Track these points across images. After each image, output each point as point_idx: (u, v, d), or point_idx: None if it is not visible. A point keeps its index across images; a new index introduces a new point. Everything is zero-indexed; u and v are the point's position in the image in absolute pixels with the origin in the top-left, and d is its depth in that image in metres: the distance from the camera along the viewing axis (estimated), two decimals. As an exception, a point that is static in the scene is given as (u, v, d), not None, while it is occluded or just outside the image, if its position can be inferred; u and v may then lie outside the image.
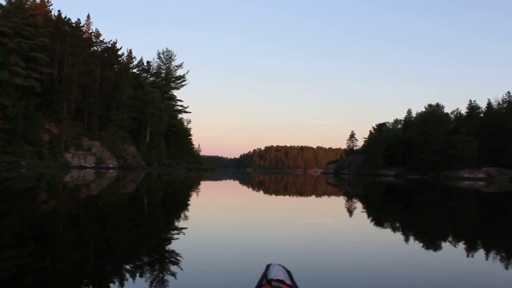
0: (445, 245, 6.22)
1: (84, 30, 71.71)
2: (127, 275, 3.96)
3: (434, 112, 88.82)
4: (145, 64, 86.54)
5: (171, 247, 5.49)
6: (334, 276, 4.14)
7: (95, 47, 74.29)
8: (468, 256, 5.44)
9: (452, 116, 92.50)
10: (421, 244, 6.32)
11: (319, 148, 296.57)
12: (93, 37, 74.11)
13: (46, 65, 58.36)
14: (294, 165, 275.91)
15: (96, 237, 6.20)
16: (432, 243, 6.42)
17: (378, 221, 9.57)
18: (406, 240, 6.73)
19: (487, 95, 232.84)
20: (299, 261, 4.66)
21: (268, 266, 1.92)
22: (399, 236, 7.31)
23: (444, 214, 12.07)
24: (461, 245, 6.26)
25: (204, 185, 25.72)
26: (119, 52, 78.36)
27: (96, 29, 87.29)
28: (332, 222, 9.22)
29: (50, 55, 59.37)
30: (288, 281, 1.71)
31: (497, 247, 6.26)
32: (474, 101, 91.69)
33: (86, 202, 11.76)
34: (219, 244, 5.74)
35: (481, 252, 5.75)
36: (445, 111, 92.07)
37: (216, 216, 9.50)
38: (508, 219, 10.66)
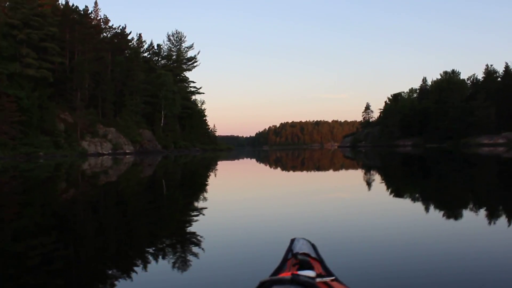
0: (465, 213, 6.12)
1: (92, 17, 71.69)
2: (150, 258, 3.95)
3: (450, 79, 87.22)
4: (155, 47, 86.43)
5: (191, 228, 5.48)
6: (357, 248, 4.12)
7: (104, 34, 74.33)
8: (489, 223, 5.33)
9: (469, 82, 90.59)
10: (440, 213, 6.24)
11: (334, 122, 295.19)
12: (101, 23, 74.13)
13: (57, 54, 58.58)
14: (310, 140, 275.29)
15: (117, 222, 6.22)
16: (451, 212, 6.33)
17: (397, 192, 9.49)
18: (426, 209, 6.63)
19: (504, 59, 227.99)
20: (322, 235, 4.65)
21: (292, 241, 1.92)
22: (418, 205, 7.21)
23: (463, 182, 11.90)
24: (482, 213, 6.14)
25: (221, 165, 25.78)
26: (129, 37, 78.38)
27: (105, 15, 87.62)
28: (351, 195, 9.14)
29: (60, 44, 59.49)
30: (313, 254, 1.72)
31: None
32: (491, 65, 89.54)
33: (105, 189, 11.85)
34: (240, 222, 5.74)
35: (502, 220, 5.63)
36: (462, 77, 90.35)
37: (235, 195, 9.50)
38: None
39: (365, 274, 3.27)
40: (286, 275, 1.28)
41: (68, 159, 39.68)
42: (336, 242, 4.35)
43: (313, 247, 1.86)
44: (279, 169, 21.37)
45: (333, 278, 1.41)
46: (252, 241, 4.54)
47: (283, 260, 1.72)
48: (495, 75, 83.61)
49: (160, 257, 4.00)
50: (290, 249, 1.81)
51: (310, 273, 1.35)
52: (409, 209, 6.76)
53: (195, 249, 4.25)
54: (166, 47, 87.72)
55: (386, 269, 3.42)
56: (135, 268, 3.62)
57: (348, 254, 3.87)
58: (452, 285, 3.05)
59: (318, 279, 1.29)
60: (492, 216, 5.82)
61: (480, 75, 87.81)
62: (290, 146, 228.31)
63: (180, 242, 4.62)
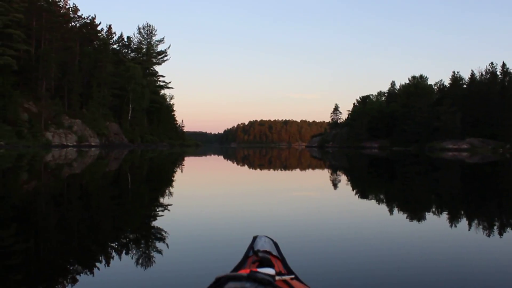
0: (427, 215, 6.27)
1: (61, 6, 69.98)
2: (113, 253, 3.90)
3: (417, 84, 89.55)
4: (125, 39, 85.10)
5: (156, 223, 5.43)
6: (319, 247, 4.16)
7: (73, 23, 72.59)
8: (450, 225, 5.48)
9: (436, 87, 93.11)
10: (402, 214, 6.38)
11: (303, 121, 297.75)
12: (70, 12, 72.40)
13: (22, 42, 56.79)
14: (278, 139, 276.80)
15: (80, 216, 6.08)
16: (413, 213, 6.48)
17: (362, 193, 9.65)
18: (389, 211, 6.76)
19: (470, 66, 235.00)
20: (285, 233, 4.67)
21: (254, 238, 1.90)
22: (381, 207, 7.35)
23: (427, 185, 12.19)
24: (444, 215, 6.31)
25: (188, 161, 25.62)
26: (98, 28, 76.89)
27: (74, 4, 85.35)
28: (316, 194, 9.24)
29: (26, 32, 57.72)
30: (275, 252, 1.72)
31: (479, 216, 6.34)
32: (458, 72, 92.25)
33: (68, 181, 11.58)
34: (204, 219, 5.72)
35: (463, 222, 5.80)
36: (429, 83, 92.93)
37: (201, 191, 9.46)
38: (489, 189, 10.79)
39: (325, 273, 3.30)
40: (244, 272, 1.28)
41: (31, 150, 38.65)
42: (298, 240, 4.37)
43: (275, 245, 1.85)
44: (246, 166, 21.37)
45: (292, 276, 1.41)
46: (215, 238, 4.53)
47: (244, 257, 1.72)
48: (461, 82, 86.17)
49: (124, 252, 3.95)
50: (251, 246, 1.80)
51: (270, 271, 1.35)
52: (372, 209, 6.88)
53: (158, 244, 4.21)
54: (136, 40, 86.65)
55: (346, 268, 3.46)
56: (97, 264, 3.56)
57: (310, 253, 3.89)
58: (410, 284, 3.12)
59: (277, 277, 1.28)
60: (453, 218, 5.98)
61: (447, 81, 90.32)
62: (258, 144, 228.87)
63: (143, 238, 4.57)
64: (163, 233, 4.72)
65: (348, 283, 3.11)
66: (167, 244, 4.20)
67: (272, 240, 1.90)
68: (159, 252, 3.92)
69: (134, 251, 3.97)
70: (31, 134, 51.69)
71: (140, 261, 3.66)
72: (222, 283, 1.11)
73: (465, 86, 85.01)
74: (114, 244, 4.25)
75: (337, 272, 3.36)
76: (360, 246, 4.21)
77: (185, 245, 4.20)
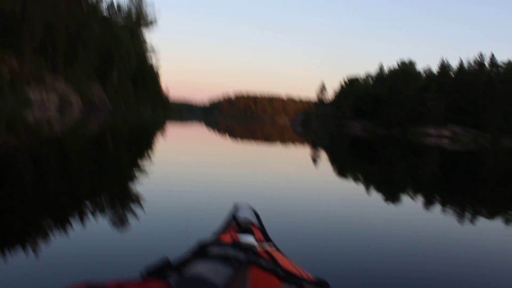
0: (403, 198, 6.39)
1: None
2: (89, 215, 3.86)
3: (405, 69, 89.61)
4: (115, 4, 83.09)
5: (134, 188, 5.38)
6: (298, 219, 4.24)
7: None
8: (424, 209, 5.58)
9: (423, 74, 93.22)
10: (380, 195, 6.53)
11: (288, 98, 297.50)
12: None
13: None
14: (263, 113, 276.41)
15: (57, 177, 6.02)
16: (391, 196, 6.61)
17: (341, 172, 9.78)
18: (367, 190, 6.89)
19: (459, 55, 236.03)
20: (264, 204, 4.73)
21: (235, 205, 1.91)
22: (358, 185, 7.49)
23: (406, 169, 12.33)
24: (419, 199, 6.41)
25: (171, 129, 25.43)
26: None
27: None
28: (297, 169, 9.33)
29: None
30: (255, 221, 1.72)
31: (453, 203, 6.46)
32: (447, 60, 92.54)
33: (48, 142, 11.39)
34: (184, 185, 5.73)
35: (436, 207, 5.90)
36: (417, 69, 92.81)
37: (182, 158, 9.44)
38: (467, 178, 10.99)
39: (304, 245, 3.37)
40: (226, 237, 1.29)
41: (10, 106, 37.88)
42: (278, 212, 4.45)
43: (255, 214, 1.85)
44: (227, 137, 21.31)
45: (271, 244, 1.41)
46: (194, 204, 4.55)
47: (225, 224, 1.71)
48: (448, 70, 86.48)
49: (99, 213, 3.92)
50: (232, 214, 1.80)
51: (250, 239, 1.36)
52: (353, 188, 7.02)
53: (136, 208, 4.19)
54: (125, 5, 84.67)
55: (321, 240, 3.55)
56: (73, 223, 3.53)
57: (289, 225, 3.96)
58: (384, 265, 3.18)
59: (256, 244, 1.29)
60: (427, 204, 6.12)
61: (435, 68, 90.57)
62: (242, 117, 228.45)
63: (121, 201, 4.54)
64: (141, 197, 4.70)
65: (323, 253, 3.20)
66: (143, 209, 4.17)
67: (253, 210, 1.89)
68: (136, 216, 3.89)
69: (110, 214, 3.93)
70: (11, 91, 50.57)
71: (116, 224, 3.64)
72: (205, 248, 1.10)
73: (452, 75, 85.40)
74: (90, 206, 4.21)
75: (314, 243, 3.43)
76: (337, 221, 4.33)
77: (163, 210, 4.21)
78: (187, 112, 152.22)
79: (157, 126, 27.88)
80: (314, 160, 12.12)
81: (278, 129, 41.84)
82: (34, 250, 2.91)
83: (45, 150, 9.33)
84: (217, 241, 1.20)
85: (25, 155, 8.17)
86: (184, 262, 1.00)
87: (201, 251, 1.11)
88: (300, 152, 15.75)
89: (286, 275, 0.96)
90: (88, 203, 4.35)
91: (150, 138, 16.07)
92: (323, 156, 14.37)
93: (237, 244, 1.13)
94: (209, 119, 72.08)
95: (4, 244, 3.00)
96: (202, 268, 0.95)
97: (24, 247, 2.94)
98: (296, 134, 33.45)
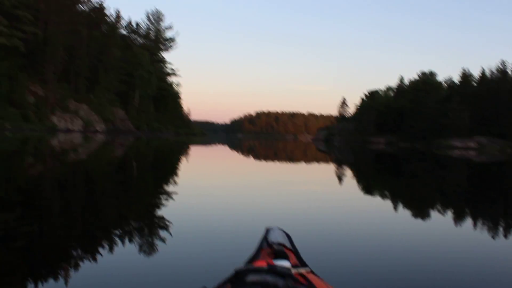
0: (432, 213, 6.22)
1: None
2: (116, 240, 3.81)
3: (426, 80, 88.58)
4: (133, 25, 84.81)
5: (163, 213, 5.29)
6: (331, 240, 4.13)
7: (81, 6, 72.31)
8: (455, 224, 5.41)
9: (445, 84, 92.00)
10: (409, 211, 6.39)
11: (310, 114, 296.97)
12: (79, -5, 72.01)
13: (30, 24, 56.52)
14: (285, 131, 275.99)
15: (84, 202, 6.01)
16: (420, 211, 6.45)
17: (368, 188, 9.61)
18: (395, 206, 6.75)
19: (481, 63, 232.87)
20: (295, 225, 4.59)
21: (268, 230, 1.87)
22: (387, 202, 7.33)
23: (433, 183, 12.03)
24: (449, 214, 6.22)
25: (194, 150, 25.54)
26: (107, 12, 76.53)
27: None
28: (324, 188, 9.15)
29: (34, 14, 57.44)
30: (288, 245, 1.70)
31: (485, 217, 6.22)
32: (468, 69, 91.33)
33: (74, 167, 11.52)
34: (212, 209, 5.61)
35: (468, 221, 5.71)
36: (438, 79, 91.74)
37: (207, 181, 9.34)
38: (496, 189, 10.64)
39: (339, 266, 3.28)
40: (261, 264, 1.25)
41: (36, 133, 38.64)
42: (309, 233, 4.33)
43: (288, 237, 1.82)
44: (251, 158, 21.24)
45: (308, 269, 1.39)
46: (224, 228, 4.44)
47: (258, 249, 1.68)
48: (470, 79, 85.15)
49: (127, 239, 3.86)
50: (265, 238, 1.77)
51: (286, 263, 1.33)
52: (380, 205, 6.85)
53: (166, 234, 4.09)
54: (144, 26, 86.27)
55: (359, 263, 3.42)
56: (101, 250, 3.48)
57: (322, 246, 3.85)
58: (421, 276, 3.08)
59: (293, 270, 1.26)
60: (458, 218, 5.94)
61: (456, 78, 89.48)
62: (264, 135, 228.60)
63: (149, 226, 4.46)
64: (171, 222, 4.59)
65: (361, 276, 3.09)
66: (170, 233, 4.08)
67: (285, 232, 1.87)
68: (166, 243, 3.80)
69: (138, 239, 3.87)
70: (37, 117, 51.69)
71: (143, 249, 3.57)
72: (242, 276, 1.11)
73: (474, 84, 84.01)
74: (117, 231, 4.16)
75: (349, 266, 3.33)
76: (369, 241, 4.18)
77: (192, 235, 4.10)
78: (209, 132, 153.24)
79: (180, 147, 27.99)
80: (340, 178, 11.93)
81: (301, 148, 41.61)
82: (65, 278, 2.84)
83: (71, 175, 9.38)
84: (253, 267, 1.16)
85: (52, 181, 8.21)
86: None
87: (239, 279, 1.10)
88: (325, 170, 15.57)
89: None
90: (116, 230, 4.27)
91: (174, 161, 16.09)
92: (349, 173, 14.16)
93: (273, 270, 1.11)
94: (232, 139, 72.17)
95: (34, 271, 2.95)
96: None
97: (54, 276, 2.86)
98: (320, 152, 33.20)
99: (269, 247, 1.63)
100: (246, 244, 3.39)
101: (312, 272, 1.41)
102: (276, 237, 1.75)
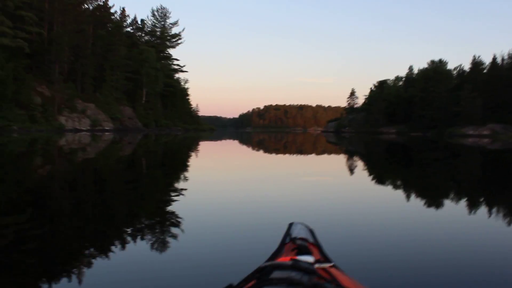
0: (447, 203, 6.05)
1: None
2: (128, 238, 3.78)
3: (436, 68, 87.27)
4: (139, 22, 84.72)
5: (178, 209, 5.18)
6: (354, 234, 4.05)
7: (85, 5, 72.25)
8: (470, 213, 5.27)
9: (455, 72, 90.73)
10: (424, 201, 6.23)
11: (318, 106, 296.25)
12: (83, -6, 71.95)
13: (35, 24, 56.44)
14: (294, 124, 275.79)
15: (95, 201, 5.94)
16: (436, 201, 6.26)
17: (383, 179, 9.44)
18: (412, 197, 6.65)
19: (491, 51, 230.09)
20: (317, 219, 4.56)
21: (290, 225, 1.86)
22: (403, 193, 7.13)
23: (446, 172, 11.79)
24: (463, 203, 6.05)
25: (203, 145, 25.42)
26: (112, 11, 76.55)
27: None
28: (338, 180, 9.03)
29: (38, 14, 57.35)
30: (311, 239, 1.69)
31: (501, 205, 6.06)
32: (479, 56, 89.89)
33: (83, 166, 11.44)
34: (228, 204, 5.52)
35: (483, 210, 5.56)
36: (448, 68, 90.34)
37: (218, 176, 9.25)
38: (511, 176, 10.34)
39: (362, 260, 3.22)
40: (285, 260, 1.25)
41: (44, 134, 38.70)
42: (331, 227, 4.27)
43: (311, 232, 1.81)
44: (261, 151, 21.03)
45: (331, 264, 1.38)
46: (243, 224, 4.36)
47: (281, 245, 1.67)
48: (481, 67, 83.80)
49: (138, 237, 3.82)
50: (288, 233, 1.75)
51: (309, 259, 1.33)
52: (399, 196, 6.76)
53: (174, 229, 4.03)
54: (150, 23, 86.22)
55: (382, 255, 3.37)
56: (113, 248, 3.46)
57: (345, 241, 3.78)
58: (445, 270, 3.02)
59: (317, 265, 1.27)
60: (473, 206, 5.81)
61: (467, 66, 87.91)
62: (273, 128, 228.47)
63: (162, 224, 4.37)
64: (190, 219, 4.51)
65: (383, 270, 3.03)
66: (195, 231, 4.03)
67: (308, 227, 1.86)
68: (188, 239, 3.76)
69: (149, 237, 3.81)
70: (44, 118, 51.70)
71: (155, 246, 3.52)
72: (267, 272, 1.13)
73: (485, 71, 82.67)
74: (129, 230, 4.12)
75: (373, 260, 3.25)
76: (391, 234, 4.12)
77: (212, 232, 4.02)
78: (218, 127, 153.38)
79: (190, 144, 27.82)
80: (354, 169, 11.79)
81: (311, 140, 41.32)
82: (78, 277, 2.83)
83: (80, 175, 9.30)
84: (277, 263, 1.16)
85: (61, 181, 8.16)
86: None
87: (263, 276, 1.11)
88: (338, 162, 15.34)
89: None
90: (125, 226, 4.22)
91: (183, 157, 15.90)
92: (362, 164, 13.98)
93: (298, 266, 1.13)
94: (241, 134, 72.10)
95: (48, 271, 2.96)
96: None
97: (68, 275, 2.83)
98: (330, 144, 32.87)
99: (292, 243, 1.63)
100: (268, 239, 3.46)
101: (336, 266, 1.41)
102: (299, 232, 1.74)
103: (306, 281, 1.00)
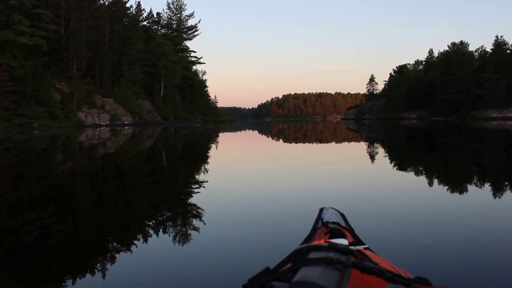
0: (471, 188, 5.95)
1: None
2: (150, 231, 3.82)
3: (458, 51, 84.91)
4: (155, 16, 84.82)
5: (193, 200, 5.24)
6: (385, 217, 4.12)
7: (101, 1, 72.48)
8: (495, 197, 5.16)
9: (477, 54, 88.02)
10: (449, 186, 6.15)
11: (337, 94, 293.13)
12: (99, -10, 72.18)
13: (52, 22, 56.74)
14: (313, 112, 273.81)
15: (116, 195, 5.97)
16: (461, 185, 6.21)
17: (406, 165, 9.40)
18: (433, 181, 6.58)
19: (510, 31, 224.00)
20: (346, 204, 4.61)
21: (321, 210, 1.88)
22: (424, 178, 7.08)
23: (470, 156, 11.45)
24: (490, 187, 5.90)
25: (223, 137, 25.35)
26: (127, 5, 76.69)
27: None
28: (362, 166, 8.89)
29: (54, 12, 57.71)
30: (343, 223, 1.71)
31: None
32: (501, 36, 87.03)
33: (103, 161, 11.47)
34: (256, 193, 5.56)
35: (508, 193, 5.43)
36: (470, 50, 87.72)
37: (239, 167, 9.21)
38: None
39: (394, 245, 3.21)
40: (320, 242, 1.22)
41: (64, 130, 39.11)
42: (360, 211, 4.32)
43: (342, 216, 1.82)
44: (281, 141, 20.85)
45: (366, 246, 1.41)
46: (272, 211, 4.42)
47: (313, 229, 1.67)
48: (504, 47, 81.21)
49: (161, 230, 3.87)
50: (319, 217, 1.76)
51: (343, 241, 1.34)
52: (423, 181, 6.72)
53: (195, 222, 4.03)
54: (165, 16, 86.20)
55: (412, 240, 3.39)
56: (135, 242, 3.47)
57: (374, 224, 3.81)
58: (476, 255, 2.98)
59: (351, 247, 1.20)
60: (498, 191, 5.67)
61: (489, 47, 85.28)
62: (293, 118, 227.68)
63: (183, 215, 4.40)
64: (200, 210, 4.53)
65: (416, 252, 3.07)
66: (203, 222, 4.03)
67: (339, 212, 1.87)
68: (221, 227, 3.86)
69: (172, 230, 3.84)
70: (63, 114, 52.19)
71: (178, 238, 3.54)
72: (304, 254, 1.14)
73: (508, 51, 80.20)
74: (151, 223, 4.17)
75: (406, 242, 3.30)
76: (418, 216, 4.18)
77: (243, 220, 4.10)
78: (237, 117, 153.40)
79: (208, 135, 27.78)
80: (376, 156, 11.70)
81: (331, 128, 40.95)
82: (102, 271, 2.85)
83: (101, 170, 9.35)
84: (313, 246, 1.14)
85: (83, 176, 8.20)
86: (287, 270, 1.06)
87: (300, 257, 1.12)
88: (360, 149, 15.15)
89: (392, 275, 1.04)
90: (148, 220, 4.25)
91: (202, 149, 15.84)
92: (384, 150, 13.81)
93: (334, 247, 1.15)
94: (260, 124, 71.96)
95: (71, 265, 2.98)
96: (307, 274, 1.01)
97: (91, 270, 2.85)
98: (351, 131, 32.47)
99: (324, 227, 1.63)
100: (298, 226, 3.55)
101: (369, 249, 1.42)
102: (331, 217, 1.75)
103: (345, 260, 1.01)
